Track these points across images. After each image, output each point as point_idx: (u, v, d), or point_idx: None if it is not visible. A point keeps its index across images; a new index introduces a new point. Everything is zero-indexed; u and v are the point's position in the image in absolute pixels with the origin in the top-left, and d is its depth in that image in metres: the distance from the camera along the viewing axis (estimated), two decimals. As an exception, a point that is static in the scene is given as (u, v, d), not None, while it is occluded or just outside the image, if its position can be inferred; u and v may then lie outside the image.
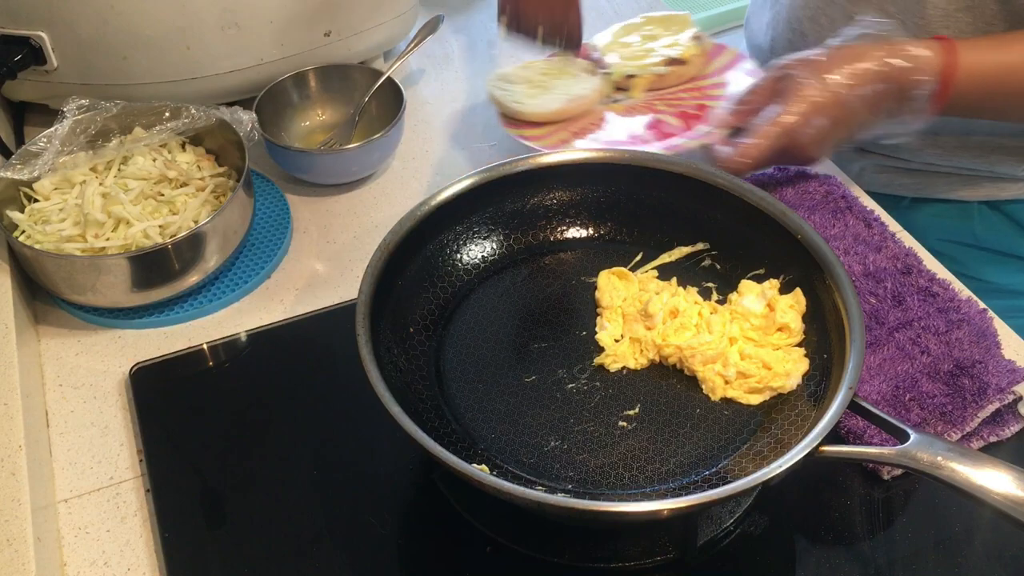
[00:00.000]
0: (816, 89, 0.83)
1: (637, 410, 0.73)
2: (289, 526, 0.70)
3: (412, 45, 1.06)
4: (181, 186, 0.88)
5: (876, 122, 0.85)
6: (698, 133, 0.96)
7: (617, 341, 0.77)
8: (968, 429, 0.72)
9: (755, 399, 0.73)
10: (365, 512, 0.71)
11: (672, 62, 1.04)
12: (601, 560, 0.68)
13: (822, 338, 0.73)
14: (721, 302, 0.79)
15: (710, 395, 0.74)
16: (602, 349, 0.77)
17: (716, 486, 0.61)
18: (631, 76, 1.03)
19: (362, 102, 1.01)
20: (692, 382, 0.75)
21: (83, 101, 0.90)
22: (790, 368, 0.73)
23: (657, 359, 0.76)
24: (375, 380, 0.64)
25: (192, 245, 0.82)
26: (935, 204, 1.06)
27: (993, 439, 0.73)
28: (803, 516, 0.71)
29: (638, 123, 1.00)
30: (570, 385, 0.75)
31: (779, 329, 0.75)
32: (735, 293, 0.79)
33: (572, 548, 0.68)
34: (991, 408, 0.72)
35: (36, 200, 0.86)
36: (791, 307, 0.76)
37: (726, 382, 0.74)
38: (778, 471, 0.60)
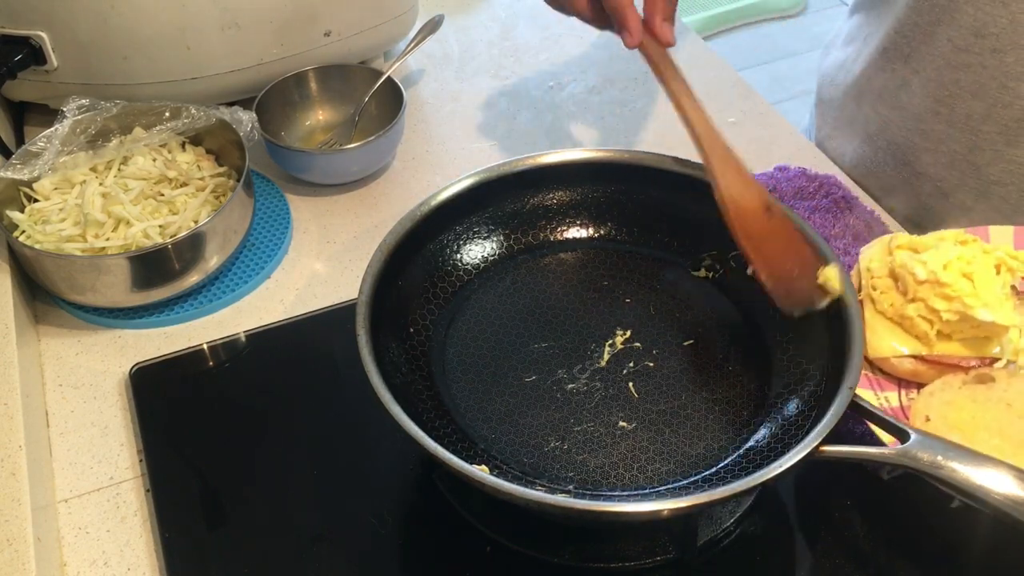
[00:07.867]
0: None
1: (637, 410, 0.73)
2: (289, 526, 0.70)
3: (412, 45, 1.06)
4: (181, 186, 0.88)
5: None
6: None
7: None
8: (968, 429, 0.72)
9: None
10: (365, 512, 0.71)
11: None
12: (601, 560, 0.68)
13: (822, 338, 0.73)
14: None
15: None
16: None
17: (716, 486, 0.61)
18: None
19: (362, 102, 1.01)
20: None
21: (83, 101, 0.90)
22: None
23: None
24: (375, 380, 0.64)
25: (192, 245, 0.82)
26: None
27: (993, 439, 0.73)
28: (803, 516, 0.72)
29: None
30: (570, 385, 0.75)
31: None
32: None
33: (572, 548, 0.68)
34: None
35: (36, 200, 0.86)
36: None
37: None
38: (778, 471, 0.60)
